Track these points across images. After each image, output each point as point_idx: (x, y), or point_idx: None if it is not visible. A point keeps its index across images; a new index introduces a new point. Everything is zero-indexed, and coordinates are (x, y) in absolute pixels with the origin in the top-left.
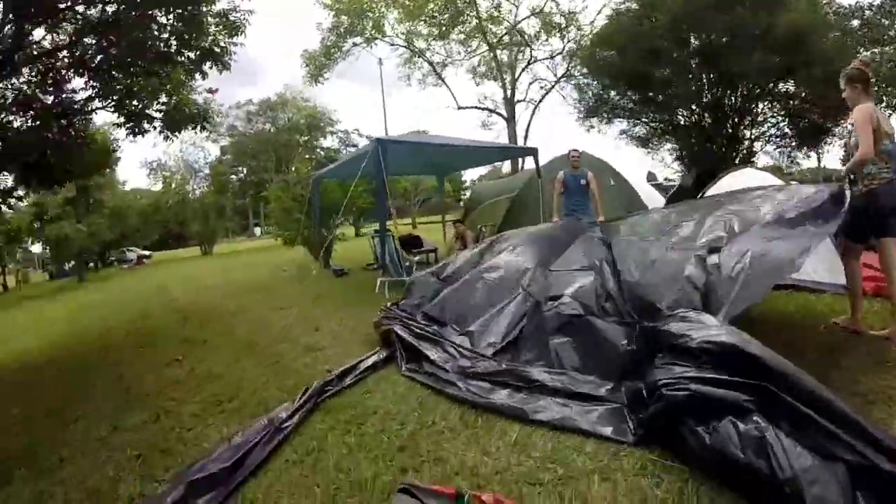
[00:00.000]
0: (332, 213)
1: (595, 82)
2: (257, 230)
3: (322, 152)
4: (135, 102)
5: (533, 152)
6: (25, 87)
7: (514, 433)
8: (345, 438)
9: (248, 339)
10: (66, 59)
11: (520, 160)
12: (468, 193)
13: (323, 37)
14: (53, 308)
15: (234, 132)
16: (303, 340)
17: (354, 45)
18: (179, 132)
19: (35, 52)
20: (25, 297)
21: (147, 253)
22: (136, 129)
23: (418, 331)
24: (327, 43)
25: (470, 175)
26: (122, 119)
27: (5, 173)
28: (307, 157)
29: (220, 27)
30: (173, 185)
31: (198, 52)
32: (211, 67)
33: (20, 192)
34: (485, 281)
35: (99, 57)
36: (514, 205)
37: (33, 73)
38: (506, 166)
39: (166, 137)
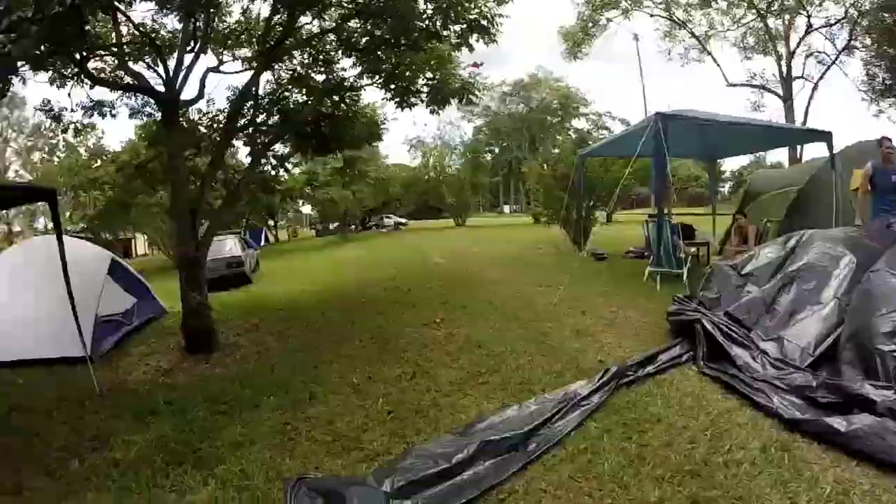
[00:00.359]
0: (594, 193)
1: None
2: (506, 207)
3: (573, 135)
4: (401, 79)
5: (826, 137)
6: (299, 68)
7: (827, 484)
8: (623, 445)
9: (510, 312)
10: (333, 42)
11: (798, 148)
12: (747, 183)
13: (578, 11)
14: (320, 259)
15: (487, 112)
16: (569, 322)
17: (609, 20)
18: (444, 106)
19: (304, 37)
20: (296, 248)
21: (403, 220)
22: (404, 103)
23: (724, 328)
24: (583, 18)
25: (729, 164)
26: (389, 94)
27: (280, 144)
28: (559, 137)
29: None
30: (431, 161)
31: (464, 25)
32: (477, 40)
33: (294, 160)
34: (796, 284)
35: (364, 39)
36: (800, 200)
37: (305, 56)
38: (775, 155)
39: (433, 111)
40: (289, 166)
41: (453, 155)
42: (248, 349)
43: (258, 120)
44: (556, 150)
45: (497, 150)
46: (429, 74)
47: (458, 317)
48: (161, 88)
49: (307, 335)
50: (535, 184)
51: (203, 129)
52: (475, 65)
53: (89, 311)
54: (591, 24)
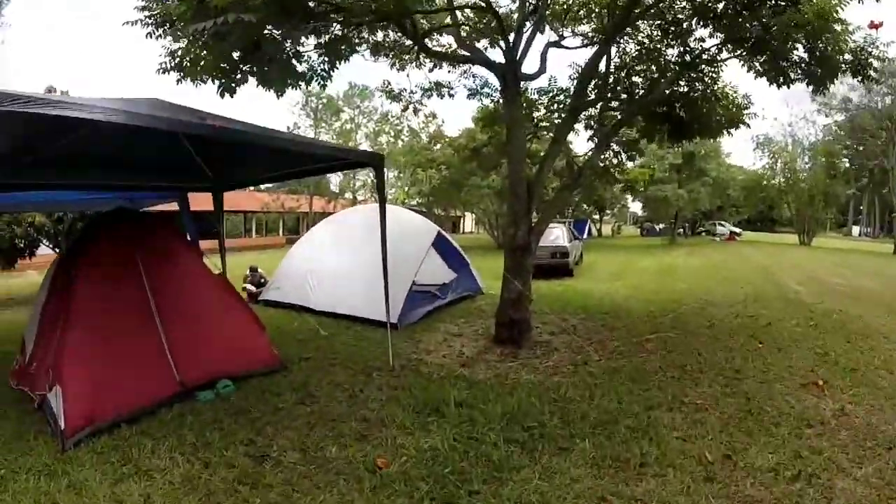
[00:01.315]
0: None
1: None
2: (854, 228)
3: None
4: (771, 48)
5: None
6: (647, 42)
7: None
8: None
9: None
10: (686, 9)
11: None
12: None
13: None
14: (648, 262)
15: (847, 105)
16: None
17: None
18: (828, 84)
19: (652, 5)
20: (619, 246)
21: (738, 230)
22: (779, 79)
23: None
24: None
25: None
26: (756, 68)
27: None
28: None
29: None
30: (779, 163)
31: None
32: None
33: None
34: None
35: (721, 3)
36: None
37: (653, 28)
38: None
39: (816, 90)
40: (624, 156)
41: (805, 157)
42: (562, 356)
43: (606, 98)
44: None
45: (853, 155)
46: (806, 41)
47: (845, 384)
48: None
49: (635, 355)
50: None
51: (542, 110)
52: (874, 25)
53: (406, 279)
54: None
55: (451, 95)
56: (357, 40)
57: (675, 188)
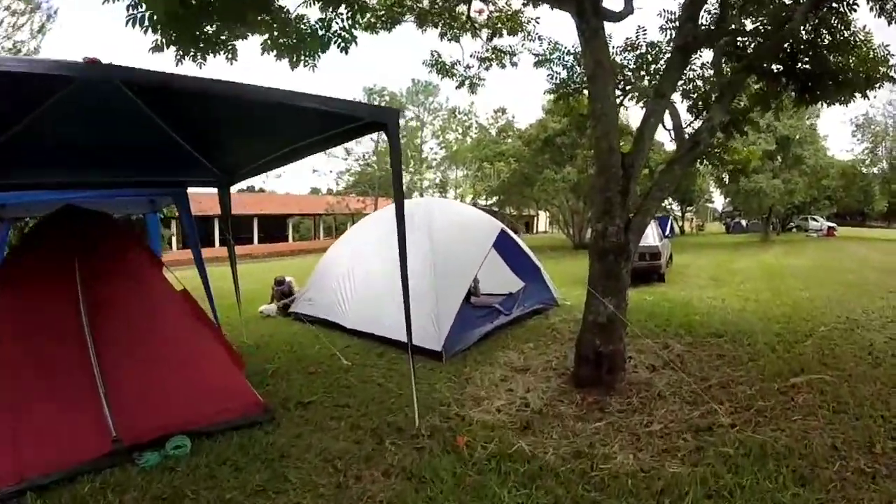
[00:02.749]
0: None
1: None
2: None
3: None
4: None
5: None
6: None
7: None
8: None
9: None
10: None
11: None
12: None
13: None
14: (745, 262)
15: None
16: None
17: None
18: None
19: None
20: (705, 244)
21: (833, 224)
22: None
23: None
24: None
25: None
26: None
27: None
28: None
29: None
30: (880, 149)
31: None
32: None
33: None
34: None
35: None
36: None
37: None
38: None
39: None
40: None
41: None
42: (672, 410)
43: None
44: None
45: None
46: None
47: None
48: None
49: (785, 416)
50: None
51: (628, 73)
52: None
53: (458, 291)
54: None
55: (513, 64)
56: (399, 8)
57: (770, 178)
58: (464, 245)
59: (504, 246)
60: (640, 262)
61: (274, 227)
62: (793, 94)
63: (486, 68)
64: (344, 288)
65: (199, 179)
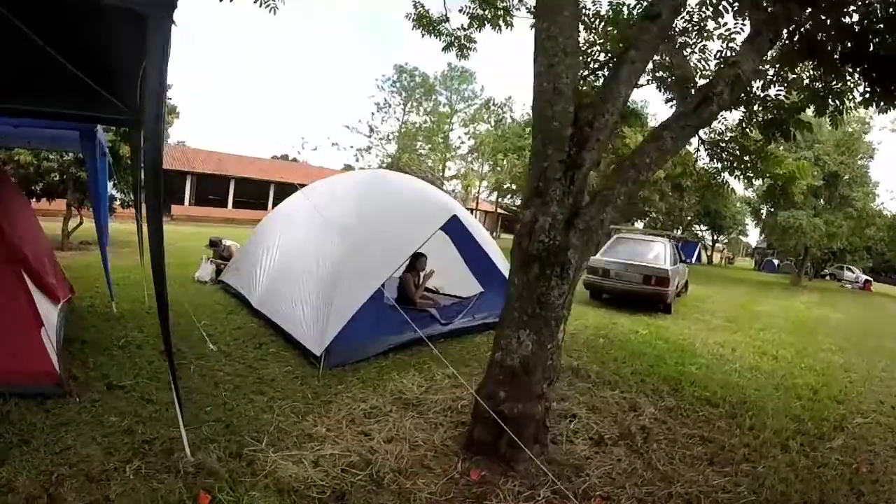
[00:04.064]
0: None
1: None
2: None
3: None
4: None
5: None
6: None
7: None
8: None
9: None
10: None
11: None
12: None
13: None
14: (770, 307)
15: None
16: None
17: None
18: None
19: None
20: (731, 278)
21: (870, 278)
22: None
23: None
24: None
25: None
26: None
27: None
28: None
29: None
30: None
31: None
32: None
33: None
34: None
35: None
36: None
37: None
38: None
39: None
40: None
41: None
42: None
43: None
44: None
45: None
46: None
47: None
48: None
49: None
50: None
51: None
52: None
53: (369, 281)
54: None
55: (509, 24)
56: None
57: (811, 216)
58: (396, 226)
59: (460, 239)
60: (643, 286)
61: (255, 193)
62: (860, 86)
63: (478, 27)
64: (262, 263)
65: (109, 116)
